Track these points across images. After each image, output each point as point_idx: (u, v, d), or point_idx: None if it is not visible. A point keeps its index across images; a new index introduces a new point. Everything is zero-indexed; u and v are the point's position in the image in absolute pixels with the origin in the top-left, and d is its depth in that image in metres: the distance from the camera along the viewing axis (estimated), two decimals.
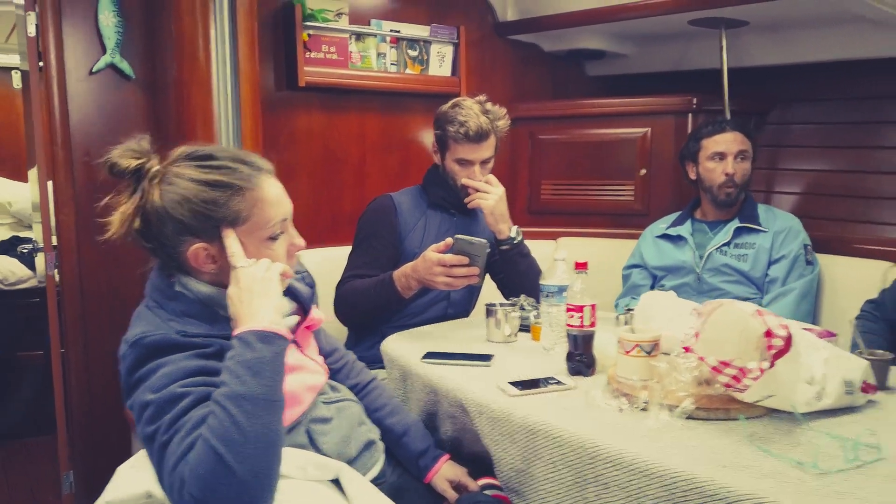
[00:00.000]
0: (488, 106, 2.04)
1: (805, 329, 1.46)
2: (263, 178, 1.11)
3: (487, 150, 2.02)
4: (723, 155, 2.21)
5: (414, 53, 2.55)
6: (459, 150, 2.01)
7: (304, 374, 1.17)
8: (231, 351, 0.97)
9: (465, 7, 2.80)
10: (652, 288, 2.36)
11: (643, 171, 2.79)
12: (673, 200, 2.65)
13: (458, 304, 2.09)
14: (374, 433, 1.32)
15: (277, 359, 0.99)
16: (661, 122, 2.76)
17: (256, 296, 1.01)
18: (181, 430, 0.92)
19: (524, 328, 1.83)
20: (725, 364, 1.18)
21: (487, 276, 2.16)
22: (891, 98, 2.58)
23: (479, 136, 1.98)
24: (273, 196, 1.11)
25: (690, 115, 2.72)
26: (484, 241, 1.77)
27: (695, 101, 2.70)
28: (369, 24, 2.47)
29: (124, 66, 1.96)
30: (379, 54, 2.47)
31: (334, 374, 1.37)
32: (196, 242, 1.06)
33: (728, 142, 2.21)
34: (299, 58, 2.26)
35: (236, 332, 1.00)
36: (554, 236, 2.89)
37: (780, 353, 1.16)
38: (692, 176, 2.33)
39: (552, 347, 1.64)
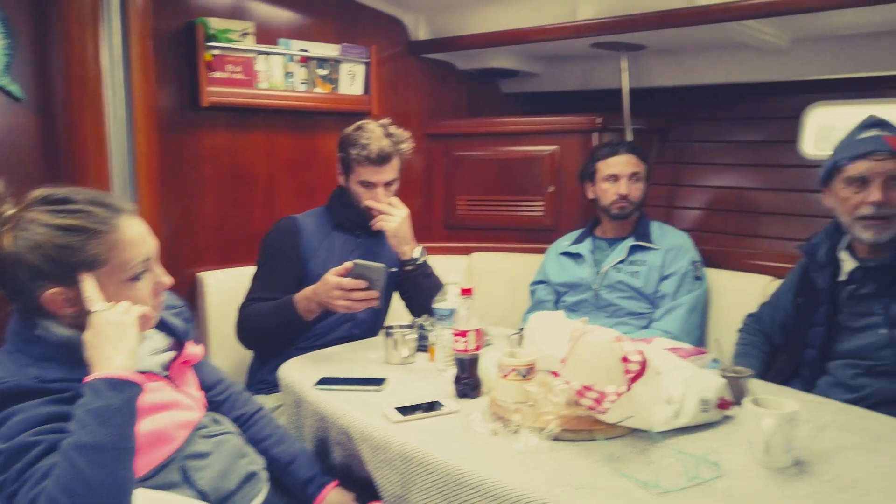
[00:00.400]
0: (392, 129, 2.08)
1: (673, 349, 1.56)
2: (123, 220, 1.11)
3: (390, 172, 2.06)
4: (616, 177, 2.31)
5: (324, 72, 2.57)
6: (362, 173, 2.04)
7: (177, 412, 1.18)
8: (81, 399, 0.98)
9: (377, 26, 2.84)
10: (556, 303, 2.45)
11: (552, 188, 2.88)
12: (581, 216, 2.75)
13: (364, 325, 2.12)
14: (256, 464, 1.33)
15: (128, 405, 0.99)
16: (568, 141, 2.86)
17: (110, 341, 1.02)
18: (29, 481, 0.92)
19: (423, 349, 1.87)
20: (588, 388, 1.25)
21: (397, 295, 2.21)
22: (777, 118, 2.75)
23: (382, 159, 2.01)
24: (133, 237, 1.12)
25: (595, 133, 2.83)
26: (382, 265, 1.81)
27: (599, 120, 2.81)
28: (277, 44, 2.47)
29: (13, 88, 1.91)
30: (287, 73, 2.48)
31: (217, 406, 1.38)
32: (52, 287, 1.06)
33: (621, 164, 2.32)
34: (202, 78, 2.24)
35: (87, 378, 1.00)
36: (468, 251, 2.95)
37: (637, 376, 1.24)
38: (590, 196, 2.43)
39: (445, 369, 1.69)
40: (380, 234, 2.16)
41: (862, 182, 1.63)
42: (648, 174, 2.39)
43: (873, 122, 1.69)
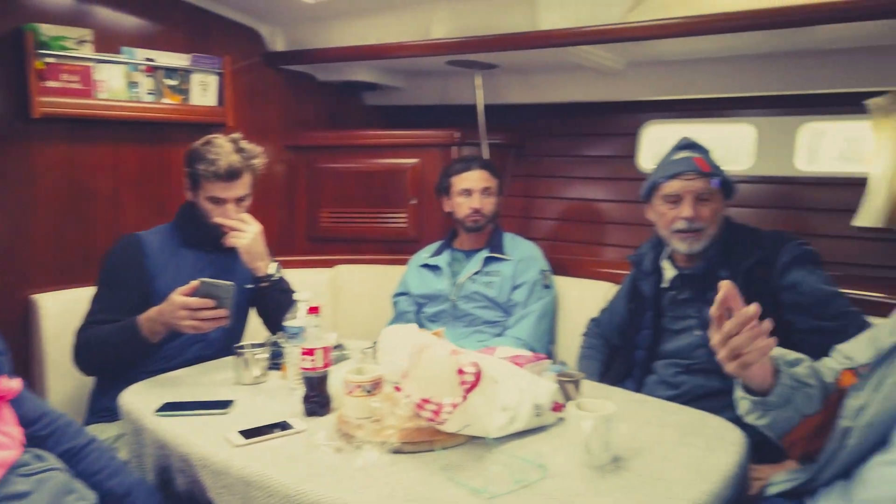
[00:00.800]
0: (243, 144, 2.04)
1: (513, 357, 1.64)
2: None
3: (241, 188, 2.02)
4: (469, 191, 2.40)
5: (173, 83, 2.47)
6: (211, 189, 1.99)
7: None
8: None
9: (231, 36, 2.78)
10: (417, 314, 2.50)
11: (414, 200, 2.94)
12: (443, 228, 2.82)
13: (216, 345, 2.06)
14: (86, 500, 1.27)
15: None
16: (428, 154, 2.93)
17: None
18: None
19: (278, 367, 1.85)
20: (426, 401, 1.30)
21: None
22: (618, 135, 2.97)
23: (231, 175, 1.97)
24: None
25: (454, 147, 2.92)
26: (230, 283, 1.77)
27: (457, 135, 2.90)
28: (119, 52, 2.35)
29: None
30: (131, 83, 2.37)
31: (42, 441, 1.30)
32: None
33: (474, 179, 2.41)
34: (32, 88, 2.10)
35: None
36: (332, 264, 2.95)
37: (472, 387, 1.30)
38: (447, 209, 2.51)
39: (297, 388, 1.68)
40: (232, 251, 2.10)
41: (676, 199, 1.80)
42: (501, 188, 2.50)
43: (685, 144, 1.87)
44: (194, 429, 1.44)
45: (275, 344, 1.89)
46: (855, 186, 2.43)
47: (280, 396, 1.67)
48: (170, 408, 1.56)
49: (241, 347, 1.79)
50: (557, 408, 1.47)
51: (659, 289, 1.91)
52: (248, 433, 1.40)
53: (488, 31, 2.41)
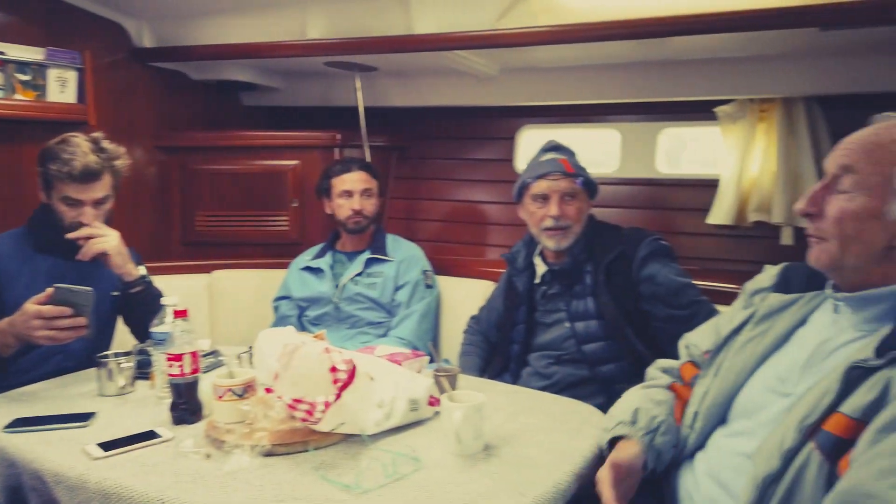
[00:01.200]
0: (105, 144, 1.93)
1: (391, 355, 1.66)
2: None
3: (100, 189, 1.90)
4: (350, 193, 2.40)
5: (25, 77, 2.30)
6: (64, 189, 1.86)
7: None
8: None
9: (93, 30, 2.62)
10: (299, 318, 2.46)
11: (295, 203, 2.89)
12: (326, 230, 2.79)
13: (78, 356, 1.92)
14: None
15: None
16: (309, 156, 2.90)
17: None
18: None
19: (146, 376, 1.77)
20: (298, 401, 1.29)
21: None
22: (497, 139, 3.07)
23: (87, 176, 1.85)
24: None
25: (336, 149, 2.91)
26: (89, 289, 1.67)
27: (338, 136, 2.88)
28: None
29: None
30: None
31: None
32: None
33: (354, 181, 2.41)
34: None
35: None
36: (209, 269, 2.84)
37: (345, 385, 1.30)
38: (328, 211, 2.49)
39: (166, 396, 1.61)
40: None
41: (544, 199, 1.89)
42: (382, 190, 2.51)
43: (551, 147, 1.97)
44: (48, 444, 1.35)
45: (142, 352, 1.80)
46: (709, 188, 2.65)
47: (148, 406, 1.59)
48: (21, 423, 1.45)
49: (105, 357, 1.70)
50: (434, 402, 1.50)
51: (532, 284, 1.99)
52: (108, 445, 1.33)
53: (364, 34, 2.42)
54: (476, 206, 3.15)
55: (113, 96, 2.68)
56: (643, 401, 1.34)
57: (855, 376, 1.00)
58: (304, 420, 1.29)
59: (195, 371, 1.48)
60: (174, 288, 2.04)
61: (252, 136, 2.94)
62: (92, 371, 1.87)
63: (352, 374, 1.31)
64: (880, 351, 0.99)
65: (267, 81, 3.06)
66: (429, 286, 2.46)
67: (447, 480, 1.19)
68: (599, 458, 1.34)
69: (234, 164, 2.92)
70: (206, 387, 1.51)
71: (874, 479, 0.89)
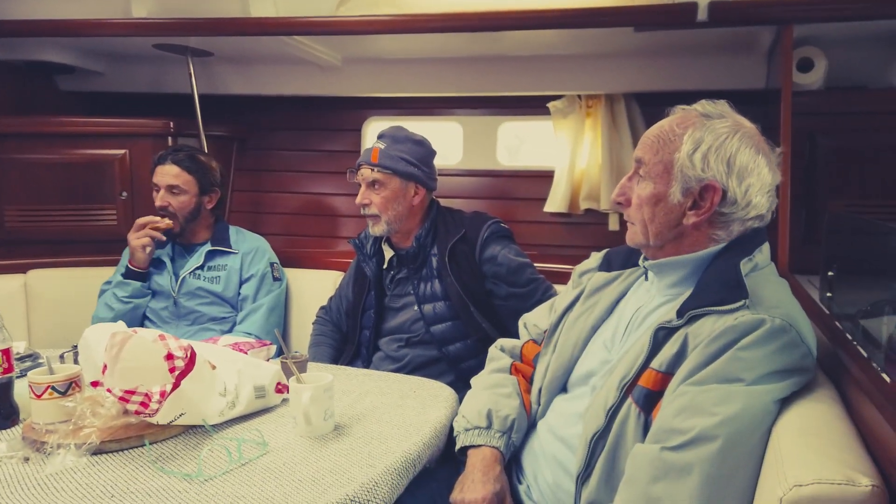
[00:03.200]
0: None
1: (236, 344, 1.60)
2: None
3: None
4: (157, 187, 2.26)
5: None
6: None
7: None
8: None
9: None
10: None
11: (124, 195, 2.69)
12: None
13: None
14: None
15: None
16: (140, 145, 2.70)
17: None
18: None
19: None
20: (131, 392, 1.20)
21: None
22: (344, 130, 3.06)
23: None
24: None
25: (170, 137, 2.73)
26: None
27: (172, 124, 2.72)
28: None
29: None
30: None
31: None
32: None
33: (160, 175, 2.24)
34: None
35: None
36: (24, 269, 2.57)
37: (184, 373, 1.23)
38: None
39: None
40: None
41: (360, 186, 1.93)
42: (206, 186, 2.29)
43: (378, 135, 1.97)
44: None
45: None
46: (545, 178, 2.82)
47: None
48: None
49: None
50: (282, 389, 1.46)
51: (380, 270, 2.00)
52: None
53: (196, 15, 2.31)
54: (323, 197, 3.12)
55: None
56: (493, 400, 1.39)
57: (661, 336, 1.12)
58: (138, 413, 1.21)
59: (8, 370, 1.33)
60: None
61: (73, 123, 2.69)
62: None
63: (191, 360, 1.25)
64: (679, 312, 1.11)
65: (88, 64, 2.81)
66: (276, 279, 2.39)
67: (296, 461, 1.17)
68: (449, 430, 1.39)
69: (51, 154, 2.65)
70: (23, 390, 1.37)
71: (672, 416, 1.00)
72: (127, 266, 2.23)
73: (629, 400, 1.10)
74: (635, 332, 1.24)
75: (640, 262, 1.31)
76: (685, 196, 1.17)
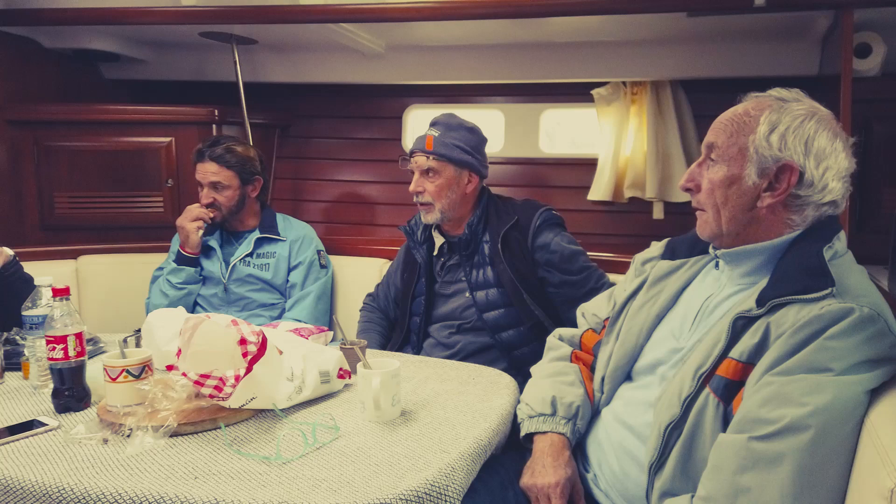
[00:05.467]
0: None
1: (296, 329, 1.61)
2: None
3: None
4: (200, 185, 2.27)
5: None
6: None
7: None
8: None
9: None
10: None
11: (170, 182, 2.72)
12: None
13: None
14: None
15: None
16: (185, 132, 2.73)
17: None
18: None
19: (15, 366, 1.59)
20: (206, 376, 1.22)
21: None
22: (383, 118, 3.06)
23: None
24: None
25: (214, 125, 2.76)
26: None
27: (216, 112, 2.74)
28: None
29: None
30: None
31: None
32: None
33: (202, 172, 2.25)
34: None
35: None
36: (74, 255, 2.61)
37: (256, 357, 1.25)
38: None
39: (44, 385, 1.47)
40: None
41: (413, 174, 1.92)
42: (247, 178, 2.29)
43: (430, 122, 1.97)
44: None
45: (10, 340, 1.63)
46: (587, 166, 2.80)
47: (20, 398, 1.44)
48: None
49: None
50: (343, 375, 1.47)
51: (431, 257, 2.01)
52: None
53: (242, 3, 2.31)
54: (362, 185, 3.12)
55: None
56: (556, 387, 1.38)
57: (740, 325, 1.10)
58: (212, 396, 1.22)
59: (81, 354, 1.36)
60: (38, 275, 1.85)
61: (119, 111, 2.72)
62: None
63: (263, 345, 1.26)
64: (760, 301, 1.09)
65: (133, 52, 2.83)
66: (323, 266, 2.40)
67: (369, 445, 1.18)
68: (515, 417, 1.39)
69: (98, 141, 2.69)
70: (92, 372, 1.39)
71: (758, 406, 0.99)
72: (179, 252, 2.25)
73: (707, 390, 1.09)
74: (705, 321, 1.22)
75: (710, 249, 1.29)
76: (761, 177, 1.15)
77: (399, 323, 2.09)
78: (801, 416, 0.94)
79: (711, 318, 1.21)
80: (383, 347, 2.09)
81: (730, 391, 1.07)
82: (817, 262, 1.07)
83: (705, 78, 2.52)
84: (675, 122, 2.64)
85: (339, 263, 2.56)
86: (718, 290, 1.25)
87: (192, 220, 2.20)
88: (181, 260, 2.25)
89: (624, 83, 2.69)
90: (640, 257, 1.50)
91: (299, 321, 2.23)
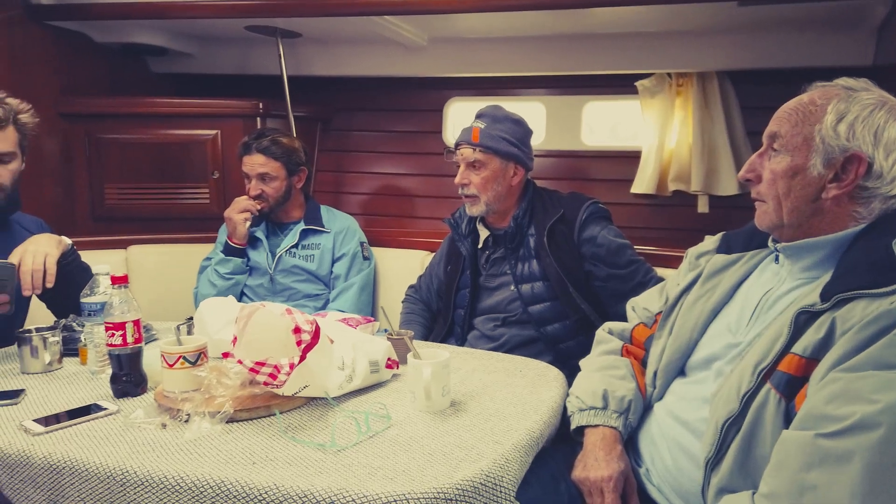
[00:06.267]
0: (10, 101, 1.75)
1: (344, 319, 1.63)
2: None
3: (4, 142, 1.72)
4: (248, 177, 2.30)
5: None
6: None
7: None
8: None
9: None
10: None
11: (216, 174, 2.76)
12: None
13: None
14: None
15: None
16: (230, 125, 2.77)
17: None
18: None
19: (73, 352, 1.64)
20: (261, 364, 1.23)
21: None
22: (423, 111, 3.05)
23: None
24: None
25: (259, 118, 2.79)
26: (11, 263, 1.53)
27: (261, 105, 2.77)
28: None
29: None
30: None
31: None
32: None
33: (250, 164, 2.29)
34: None
35: None
36: (125, 244, 2.67)
37: (310, 346, 1.26)
38: None
39: (102, 370, 1.50)
40: (11, 225, 1.82)
41: (459, 166, 1.91)
42: (293, 168, 2.33)
43: (476, 114, 1.95)
44: None
45: (67, 327, 1.67)
46: (630, 159, 2.76)
47: (80, 382, 1.48)
48: None
49: (26, 332, 1.55)
50: (391, 365, 1.48)
51: (475, 249, 2.00)
52: (47, 420, 1.22)
53: None
54: (403, 178, 3.13)
55: (7, 57, 2.44)
56: (607, 381, 1.37)
57: (803, 320, 1.07)
58: (266, 384, 1.24)
59: (138, 340, 1.39)
60: (90, 264, 1.90)
61: (166, 104, 2.77)
62: (10, 348, 1.72)
63: (316, 334, 1.27)
64: (824, 296, 1.06)
65: (179, 46, 2.88)
66: (366, 258, 2.42)
67: (422, 434, 1.18)
68: (565, 409, 1.38)
69: (146, 134, 2.75)
70: (148, 358, 1.42)
71: (824, 403, 0.97)
72: (226, 242, 2.29)
73: (767, 385, 1.07)
74: (764, 316, 1.20)
75: (770, 243, 1.26)
76: (826, 168, 1.12)
77: (442, 314, 2.09)
78: (871, 413, 0.91)
79: (771, 313, 1.19)
80: (426, 339, 2.10)
81: (792, 387, 1.05)
82: (885, 256, 1.04)
83: (754, 69, 2.46)
84: (722, 113, 2.59)
85: (381, 255, 2.58)
86: (778, 284, 1.22)
87: (239, 212, 2.24)
88: (229, 251, 2.28)
89: (669, 74, 2.64)
90: (693, 251, 1.47)
91: (343, 312, 2.25)
